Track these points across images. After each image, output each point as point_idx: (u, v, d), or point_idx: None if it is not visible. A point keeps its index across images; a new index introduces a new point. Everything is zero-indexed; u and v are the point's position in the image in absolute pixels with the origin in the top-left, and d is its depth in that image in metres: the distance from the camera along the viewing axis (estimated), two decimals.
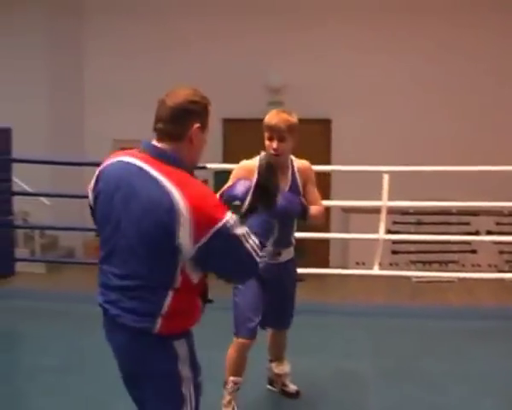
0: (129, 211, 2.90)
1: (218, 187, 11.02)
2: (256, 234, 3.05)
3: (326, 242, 12.82)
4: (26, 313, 7.06)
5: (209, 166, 8.30)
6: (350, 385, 5.37)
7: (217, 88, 12.76)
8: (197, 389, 3.13)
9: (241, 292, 4.75)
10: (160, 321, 2.96)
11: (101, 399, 5.03)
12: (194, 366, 3.14)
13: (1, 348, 6.13)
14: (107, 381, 5.18)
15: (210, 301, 3.20)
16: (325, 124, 13.02)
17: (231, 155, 12.19)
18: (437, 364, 5.92)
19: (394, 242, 11.30)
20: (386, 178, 7.47)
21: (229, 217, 2.89)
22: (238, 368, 4.76)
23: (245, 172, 4.53)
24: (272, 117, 4.61)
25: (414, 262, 12.04)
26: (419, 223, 11.95)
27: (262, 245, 3.08)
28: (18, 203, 9.28)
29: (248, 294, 4.69)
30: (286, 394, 5.21)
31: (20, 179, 9.53)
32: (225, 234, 2.85)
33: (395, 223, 11.62)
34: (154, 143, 3.07)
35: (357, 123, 12.63)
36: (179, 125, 3.05)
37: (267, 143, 4.58)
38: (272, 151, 4.55)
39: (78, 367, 5.61)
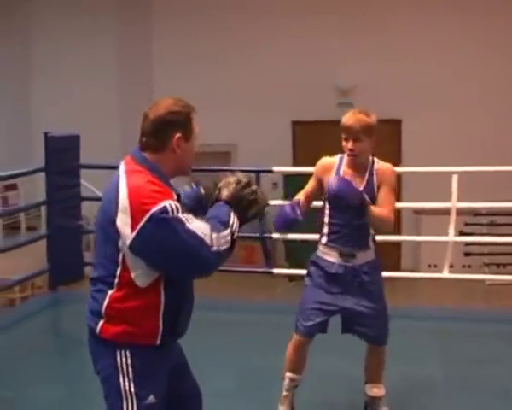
0: (100, 215, 3.08)
1: (288, 190, 10.98)
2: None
3: (397, 244, 12.59)
4: None
5: (276, 169, 8.13)
6: (417, 391, 5.20)
7: (286, 91, 12.78)
8: (142, 408, 3.01)
9: (308, 288, 4.62)
10: (100, 322, 3.03)
11: None
12: (143, 385, 3.02)
13: (69, 352, 6.15)
14: None
15: (178, 335, 3.21)
16: (395, 124, 12.80)
17: (301, 158, 12.09)
18: (509, 370, 5.70)
19: (467, 244, 11.00)
20: (455, 178, 7.23)
21: (168, 204, 2.88)
22: (295, 365, 4.62)
23: (322, 169, 4.66)
24: (349, 118, 4.55)
25: (487, 264, 11.73)
26: (492, 224, 11.65)
27: (224, 225, 3.04)
28: (87, 208, 9.35)
29: (314, 291, 4.55)
30: None
31: (92, 184, 9.59)
32: (161, 219, 2.85)
33: (467, 224, 11.32)
34: (140, 151, 3.12)
35: (427, 123, 12.40)
36: (160, 137, 3.08)
37: (344, 143, 4.46)
38: (348, 151, 4.42)
39: None
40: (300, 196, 4.67)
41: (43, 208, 10.71)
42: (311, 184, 4.72)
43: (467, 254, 11.38)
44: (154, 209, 2.85)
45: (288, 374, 4.62)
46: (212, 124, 13.11)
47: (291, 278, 11.81)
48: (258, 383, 5.39)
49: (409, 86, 12.41)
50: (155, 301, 3.01)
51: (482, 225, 11.70)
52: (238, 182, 3.24)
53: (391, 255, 12.35)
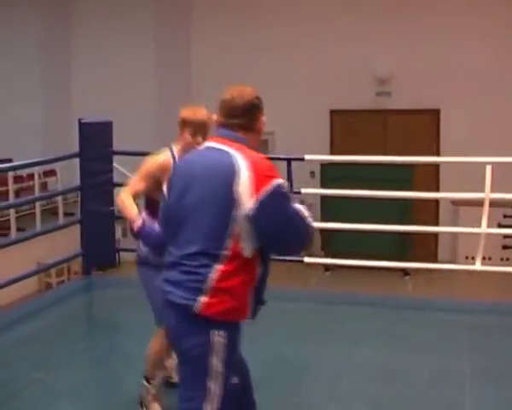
0: (207, 189, 3.09)
1: (325, 179, 10.73)
2: None
3: (434, 235, 12.43)
4: (124, 301, 7.06)
5: (307, 157, 7.92)
6: (445, 384, 5.08)
7: (323, 80, 12.67)
8: (227, 388, 3.03)
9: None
10: (201, 299, 2.97)
11: None
12: (229, 365, 3.05)
13: (100, 335, 6.15)
14: None
15: (262, 303, 3.17)
16: (434, 114, 12.62)
17: (339, 147, 11.98)
18: None
19: (505, 236, 10.76)
20: (488, 168, 7.02)
21: (282, 181, 3.06)
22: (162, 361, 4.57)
23: (159, 169, 4.24)
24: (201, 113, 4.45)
25: None
26: None
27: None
28: None
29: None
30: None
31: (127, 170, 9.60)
32: (281, 192, 3.03)
33: (506, 217, 11.09)
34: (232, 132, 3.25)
35: (466, 113, 12.22)
36: (251, 119, 3.27)
37: (192, 138, 4.26)
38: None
39: None
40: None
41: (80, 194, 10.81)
42: (143, 185, 4.28)
43: (505, 247, 11.16)
44: (276, 183, 3.01)
45: (160, 372, 4.54)
46: None
47: (327, 267, 11.73)
48: (287, 372, 5.30)
49: (447, 76, 12.22)
50: (254, 274, 3.09)
51: None
52: None
53: (428, 246, 12.22)
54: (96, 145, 7.48)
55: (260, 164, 3.06)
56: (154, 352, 4.46)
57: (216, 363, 2.99)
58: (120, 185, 8.95)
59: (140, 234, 3.81)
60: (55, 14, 14.18)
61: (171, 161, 4.25)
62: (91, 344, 5.98)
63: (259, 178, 2.99)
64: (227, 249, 2.97)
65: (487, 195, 7.04)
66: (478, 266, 7.23)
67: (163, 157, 4.29)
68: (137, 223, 3.81)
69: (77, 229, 8.14)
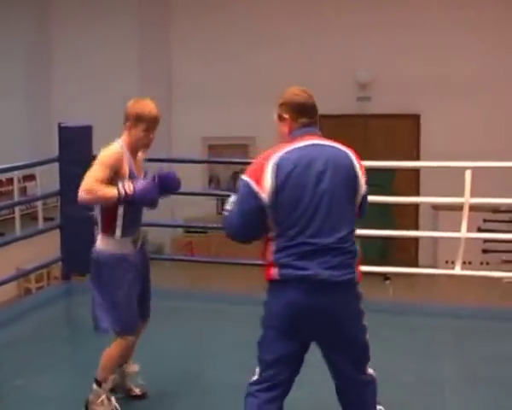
0: (338, 177, 3.58)
1: None
2: None
3: (415, 240, 12.49)
4: None
5: None
6: (430, 389, 5.10)
7: (305, 84, 12.64)
8: None
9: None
10: (357, 270, 3.64)
11: (176, 392, 4.93)
12: None
13: (80, 341, 6.14)
14: (179, 374, 5.21)
15: None
16: (414, 119, 12.70)
17: None
18: None
19: (485, 240, 10.82)
20: (468, 174, 7.09)
21: None
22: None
23: (116, 160, 4.36)
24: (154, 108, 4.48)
25: (506, 262, 11.57)
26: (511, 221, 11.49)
27: None
28: None
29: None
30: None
31: None
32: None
33: (486, 221, 11.17)
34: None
35: (446, 118, 12.32)
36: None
37: (143, 134, 4.40)
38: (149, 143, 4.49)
39: (154, 361, 5.50)
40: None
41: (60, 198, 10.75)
42: (105, 175, 4.30)
43: (485, 251, 11.23)
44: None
45: (112, 376, 4.56)
46: (231, 117, 13.08)
47: None
48: None
49: (428, 81, 12.30)
50: None
51: (501, 222, 11.52)
52: None
53: (408, 251, 12.27)
54: (76, 149, 7.47)
55: (356, 157, 3.73)
56: (111, 357, 4.51)
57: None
58: None
59: (136, 193, 4.19)
60: (36, 20, 14.10)
61: (123, 155, 4.34)
62: (74, 350, 5.97)
63: (361, 165, 3.68)
64: (354, 230, 3.65)
65: (467, 199, 7.10)
66: (458, 270, 7.28)
67: (117, 149, 4.34)
68: (125, 187, 4.17)
69: (57, 234, 8.12)
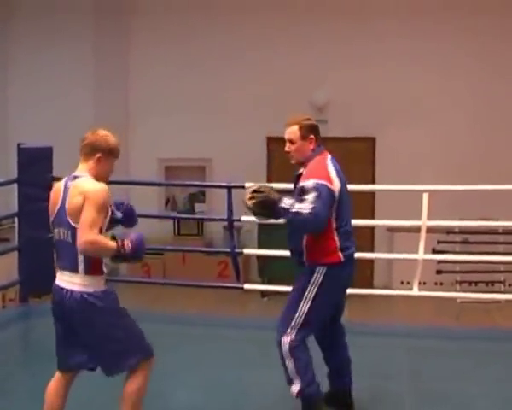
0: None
1: None
2: None
3: (370, 261, 12.63)
4: None
5: (248, 185, 8.06)
6: (384, 407, 5.21)
7: (261, 106, 12.79)
8: None
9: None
10: None
11: None
12: None
13: (46, 365, 6.04)
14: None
15: None
16: (369, 142, 12.87)
17: (276, 174, 12.10)
18: (478, 387, 5.71)
19: (439, 261, 11.01)
20: (425, 197, 7.31)
21: None
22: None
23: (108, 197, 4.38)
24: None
25: (459, 282, 11.78)
26: (465, 242, 11.69)
27: None
28: None
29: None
30: None
31: None
32: None
33: (440, 242, 11.37)
34: None
35: (402, 140, 12.47)
36: None
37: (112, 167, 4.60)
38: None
39: (114, 384, 5.53)
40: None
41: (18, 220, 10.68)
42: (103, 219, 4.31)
43: (439, 272, 11.40)
44: None
45: None
46: (187, 138, 13.13)
47: (264, 293, 11.81)
48: (227, 398, 5.37)
49: (383, 104, 12.47)
50: None
51: (455, 243, 11.74)
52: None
53: (363, 272, 12.41)
54: (36, 171, 7.47)
55: None
56: (140, 389, 4.34)
57: None
58: None
59: (137, 248, 4.21)
60: None
61: None
62: (33, 374, 5.91)
63: None
64: None
65: (424, 222, 7.30)
66: (415, 291, 7.46)
67: (105, 187, 4.29)
68: (124, 244, 4.18)
69: (11, 255, 8.13)
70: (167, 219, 12.96)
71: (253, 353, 6.39)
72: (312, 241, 4.80)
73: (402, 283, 11.67)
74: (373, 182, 12.40)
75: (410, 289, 9.52)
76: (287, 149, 4.92)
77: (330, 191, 4.66)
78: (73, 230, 4.13)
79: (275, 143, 12.82)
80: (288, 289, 7.67)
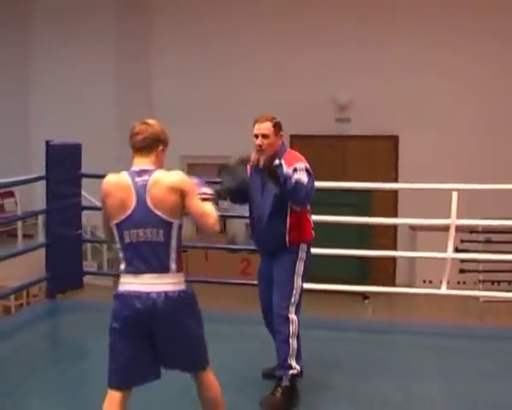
0: None
1: None
2: None
3: (392, 260, 12.70)
4: (93, 325, 7.14)
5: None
6: (416, 408, 5.27)
7: (284, 105, 12.82)
8: None
9: None
10: None
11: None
12: None
13: (70, 361, 6.19)
14: (168, 395, 5.32)
15: None
16: (392, 140, 12.92)
17: None
18: (504, 386, 5.77)
19: (462, 260, 11.06)
20: (455, 195, 7.30)
21: None
22: None
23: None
24: None
25: (482, 281, 11.83)
26: (488, 241, 11.74)
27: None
28: (87, 217, 9.45)
29: None
30: None
31: (90, 194, 9.69)
32: None
33: (463, 241, 11.42)
34: None
35: (425, 139, 12.51)
36: None
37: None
38: None
39: None
40: None
41: (41, 217, 10.80)
42: None
43: (462, 271, 11.44)
44: None
45: None
46: (209, 136, 13.23)
47: None
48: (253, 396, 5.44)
49: (406, 102, 12.53)
50: None
51: (478, 242, 11.79)
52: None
53: (387, 270, 12.48)
54: (64, 168, 7.51)
55: None
56: (218, 387, 4.25)
57: None
58: (89, 209, 9.14)
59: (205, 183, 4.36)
60: (14, 38, 14.23)
61: None
62: (62, 370, 5.95)
63: None
64: None
65: (453, 221, 7.31)
66: (443, 289, 7.48)
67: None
68: (204, 190, 4.26)
69: (35, 252, 8.24)
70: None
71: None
72: (295, 222, 5.17)
73: (424, 281, 11.75)
74: (396, 180, 12.46)
75: (433, 287, 9.63)
76: (259, 142, 5.14)
77: (312, 176, 5.09)
78: (168, 226, 3.94)
79: (298, 141, 12.92)
80: (313, 286, 7.87)
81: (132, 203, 3.94)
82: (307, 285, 7.84)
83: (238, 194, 5.30)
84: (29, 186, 10.58)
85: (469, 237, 11.64)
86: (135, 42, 13.72)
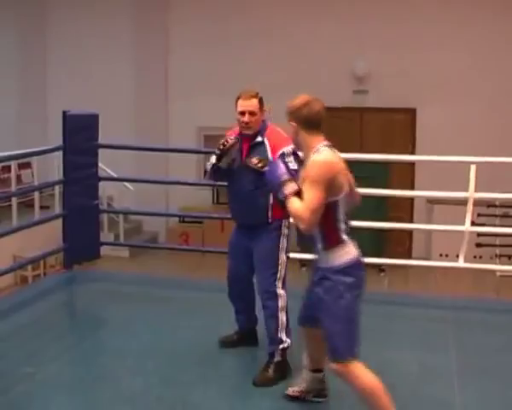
0: None
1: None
2: None
3: (409, 233, 12.71)
4: (109, 295, 7.22)
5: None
6: (432, 380, 5.28)
7: (300, 76, 12.83)
8: None
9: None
10: None
11: (182, 379, 5.11)
12: None
13: (87, 330, 6.26)
14: (184, 362, 5.41)
15: None
16: (410, 113, 12.89)
17: None
18: None
19: (479, 234, 11.02)
20: (473, 168, 7.26)
21: None
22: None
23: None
24: None
25: (499, 256, 11.82)
26: (505, 216, 11.72)
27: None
28: (103, 188, 9.50)
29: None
30: None
31: (105, 165, 9.74)
32: None
33: (480, 215, 11.38)
34: None
35: (442, 112, 12.48)
36: None
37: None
38: None
39: (156, 348, 5.71)
40: None
41: (57, 187, 10.87)
42: None
43: (478, 245, 11.42)
44: None
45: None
46: (225, 108, 13.18)
47: (303, 263, 11.93)
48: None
49: (425, 75, 12.47)
50: None
51: (495, 216, 11.77)
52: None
53: (403, 244, 12.49)
54: (82, 138, 7.49)
55: None
56: (371, 386, 4.12)
57: None
58: (106, 179, 9.21)
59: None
60: (30, 11, 14.25)
61: None
62: (80, 339, 6.04)
63: None
64: None
65: (471, 194, 7.28)
66: (461, 263, 7.48)
67: None
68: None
69: (51, 223, 8.30)
70: (206, 188, 13.08)
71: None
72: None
73: (441, 255, 11.76)
74: (413, 153, 12.44)
75: (449, 261, 9.63)
76: (246, 119, 5.11)
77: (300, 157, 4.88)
78: None
79: None
80: None
81: (348, 175, 4.27)
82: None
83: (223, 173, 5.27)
84: (46, 157, 10.65)
85: (486, 211, 11.61)
86: (153, 14, 13.72)
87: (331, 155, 4.11)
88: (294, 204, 4.05)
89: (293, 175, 4.29)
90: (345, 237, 4.15)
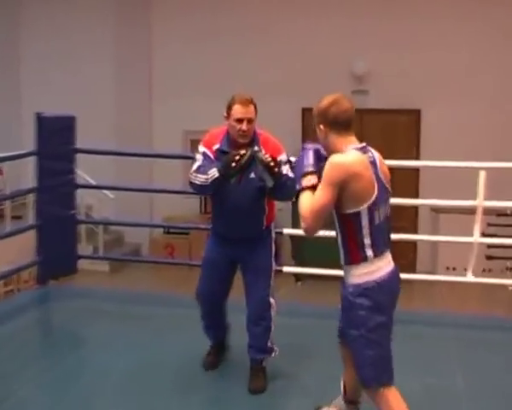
0: None
1: None
2: None
3: (413, 244, 12.69)
4: (87, 313, 7.19)
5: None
6: (437, 403, 5.29)
7: (296, 76, 12.85)
8: None
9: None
10: None
11: (165, 404, 5.11)
12: None
13: (64, 350, 6.23)
14: (168, 380, 5.46)
15: None
16: (414, 115, 12.90)
17: None
18: None
19: (489, 246, 11.03)
20: (482, 175, 7.20)
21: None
22: None
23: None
24: None
25: (510, 269, 11.82)
26: None
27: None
28: (80, 196, 9.46)
29: None
30: None
31: (84, 171, 9.71)
32: None
33: (490, 225, 11.38)
34: None
35: (449, 114, 12.49)
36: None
37: None
38: None
39: (140, 368, 5.70)
40: None
41: (31, 196, 10.81)
42: None
43: (488, 258, 11.43)
44: None
45: None
46: (216, 110, 13.18)
47: (297, 277, 11.95)
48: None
49: (430, 75, 12.49)
50: None
51: (506, 226, 11.75)
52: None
53: (406, 256, 12.47)
54: (57, 142, 7.41)
55: None
56: None
57: None
58: (84, 187, 9.18)
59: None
60: (2, 4, 14.22)
61: None
62: (56, 361, 5.98)
63: None
64: None
65: (480, 202, 7.22)
66: (470, 277, 7.42)
67: None
68: None
69: (26, 233, 8.25)
70: (193, 196, 13.04)
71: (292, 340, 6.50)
72: (270, 205, 5.36)
73: (447, 268, 11.75)
74: (417, 158, 12.44)
75: (457, 275, 9.60)
76: (245, 128, 5.12)
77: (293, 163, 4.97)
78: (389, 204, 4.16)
79: (311, 114, 12.92)
80: (328, 272, 7.85)
81: (375, 182, 4.01)
82: (325, 271, 7.94)
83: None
84: (18, 163, 10.59)
85: (496, 221, 11.60)
86: (135, 10, 13.71)
87: (352, 157, 4.00)
88: (303, 199, 4.06)
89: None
90: (370, 253, 4.03)
